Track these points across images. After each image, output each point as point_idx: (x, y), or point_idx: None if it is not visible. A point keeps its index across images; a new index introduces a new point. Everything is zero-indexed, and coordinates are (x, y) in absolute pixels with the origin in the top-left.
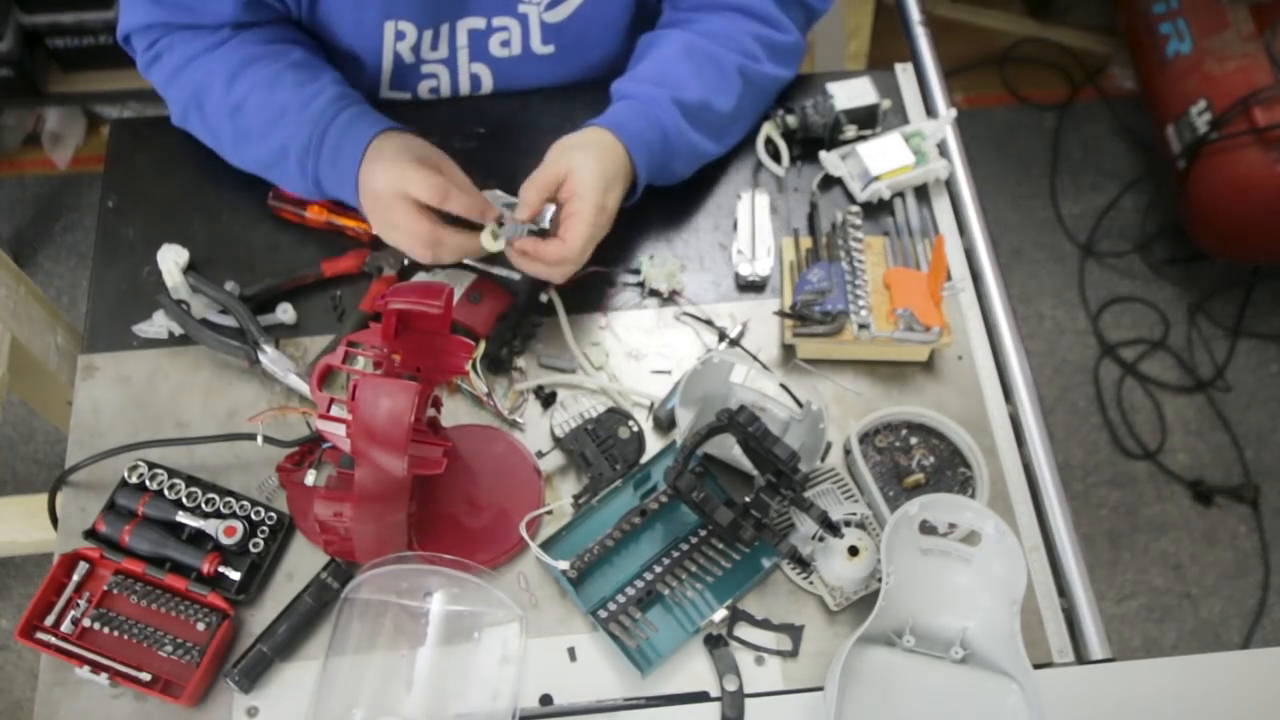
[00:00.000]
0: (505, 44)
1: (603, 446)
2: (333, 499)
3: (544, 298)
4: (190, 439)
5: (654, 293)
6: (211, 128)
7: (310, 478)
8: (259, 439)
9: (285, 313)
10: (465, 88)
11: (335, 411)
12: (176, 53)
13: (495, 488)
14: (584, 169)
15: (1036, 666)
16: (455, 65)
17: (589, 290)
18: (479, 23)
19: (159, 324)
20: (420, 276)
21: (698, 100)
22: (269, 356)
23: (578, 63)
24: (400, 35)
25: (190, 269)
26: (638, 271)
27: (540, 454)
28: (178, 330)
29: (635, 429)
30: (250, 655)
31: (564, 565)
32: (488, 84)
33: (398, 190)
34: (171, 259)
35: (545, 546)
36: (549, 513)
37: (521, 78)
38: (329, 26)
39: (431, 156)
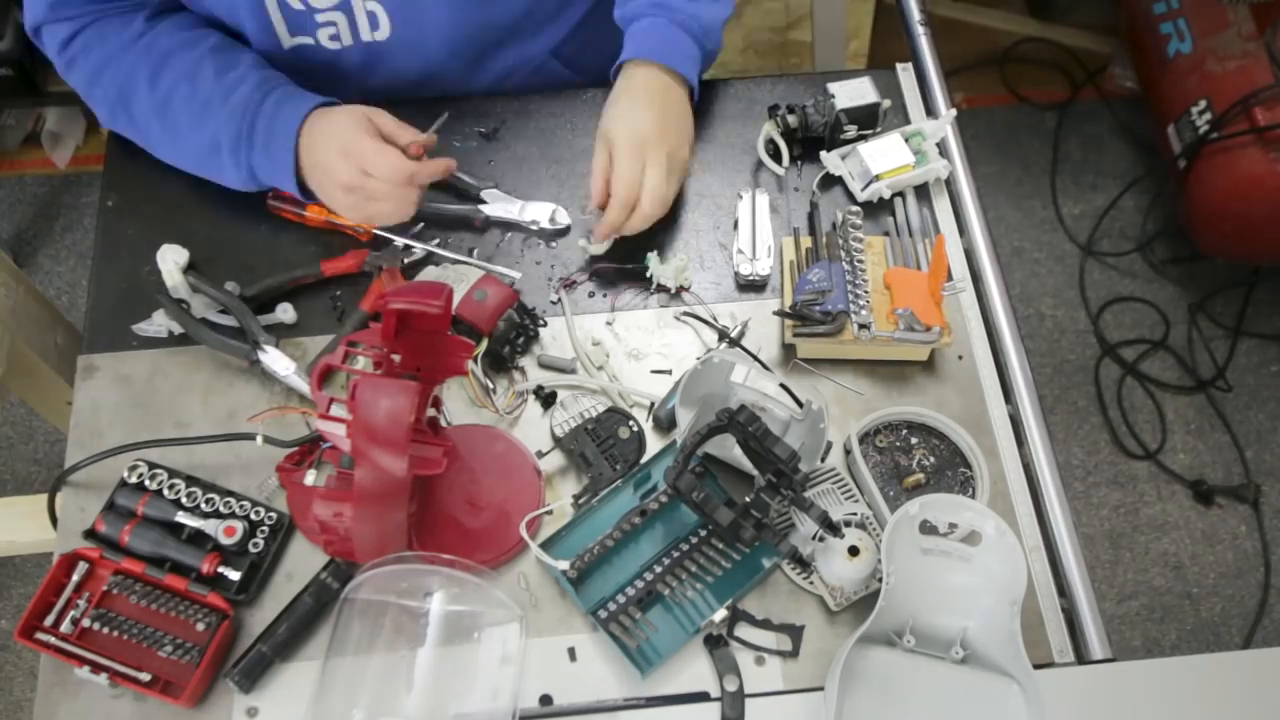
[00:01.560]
0: None
1: (603, 446)
2: (333, 499)
3: (550, 292)
4: (190, 439)
5: (661, 289)
6: (141, 128)
7: (310, 478)
8: (259, 439)
9: (285, 312)
10: (365, 30)
11: (335, 411)
12: (94, 53)
13: (495, 488)
14: (612, 132)
15: (1036, 666)
16: (350, 7)
17: (594, 288)
18: None
19: (158, 323)
20: (426, 275)
21: None
22: (269, 356)
23: (488, 12)
24: None
25: (190, 269)
26: (645, 268)
27: (540, 454)
28: (178, 329)
29: (635, 429)
30: (250, 655)
31: (564, 565)
32: (385, 25)
33: (361, 126)
34: (171, 259)
35: (545, 546)
36: (549, 513)
37: (424, 20)
38: None
39: (373, 115)
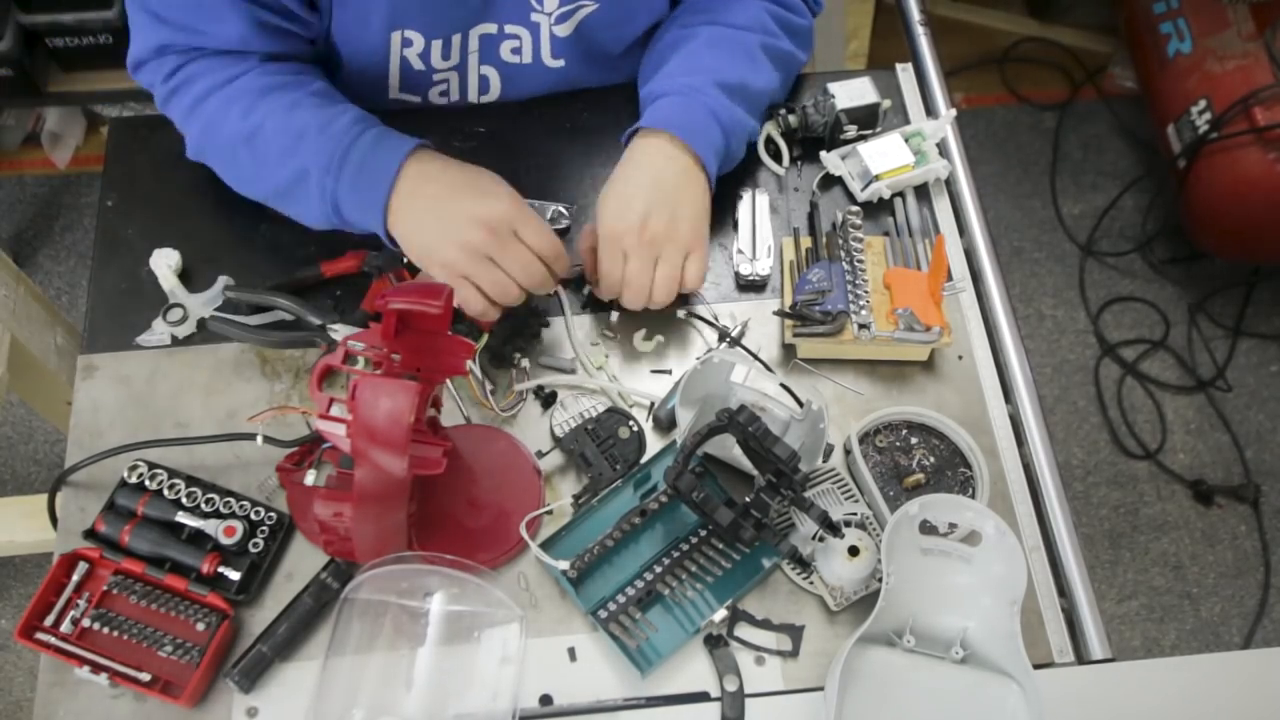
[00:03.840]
0: (516, 51)
1: (603, 446)
2: (333, 499)
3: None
4: (190, 439)
5: None
6: (225, 157)
7: (310, 478)
8: (259, 439)
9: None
10: (474, 91)
11: (335, 411)
12: (196, 85)
13: (495, 487)
14: (597, 218)
15: (1036, 666)
16: (465, 69)
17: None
18: (491, 28)
19: (159, 332)
20: (425, 275)
21: (736, 81)
22: (341, 331)
23: (587, 76)
24: (407, 43)
25: (184, 272)
26: None
27: (540, 454)
28: (180, 334)
29: (635, 429)
30: (250, 655)
31: (564, 565)
32: (496, 87)
33: (512, 223)
34: (164, 263)
35: (545, 546)
36: (549, 513)
37: (530, 85)
38: (337, 39)
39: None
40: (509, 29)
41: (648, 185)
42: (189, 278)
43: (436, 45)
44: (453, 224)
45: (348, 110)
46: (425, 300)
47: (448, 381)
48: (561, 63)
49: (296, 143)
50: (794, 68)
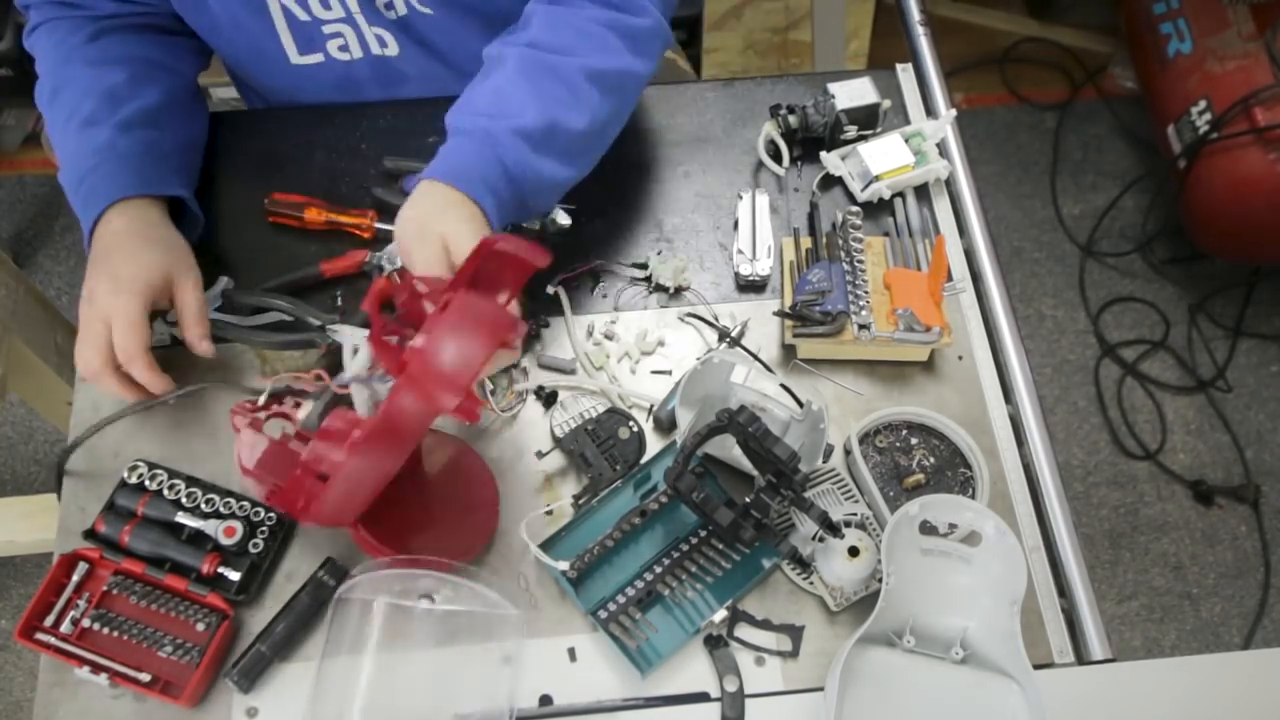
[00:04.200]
0: (389, 5)
1: (603, 447)
2: (332, 439)
3: (550, 290)
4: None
5: (660, 289)
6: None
7: (271, 427)
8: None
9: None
10: (375, 46)
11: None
12: (39, 50)
13: (451, 497)
14: (397, 237)
15: (1036, 667)
16: (357, 24)
17: (595, 289)
18: None
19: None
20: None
21: (541, 126)
22: (341, 332)
23: (465, 19)
24: None
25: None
26: (644, 267)
27: (540, 454)
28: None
29: (635, 429)
30: (249, 655)
31: (564, 566)
32: (393, 45)
33: (104, 316)
34: None
35: (545, 547)
36: (549, 513)
37: (423, 37)
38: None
39: (161, 264)
40: None
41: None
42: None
43: None
44: (86, 281)
45: (102, 134)
46: (530, 252)
47: None
48: (430, 10)
49: (68, 160)
50: (633, 87)
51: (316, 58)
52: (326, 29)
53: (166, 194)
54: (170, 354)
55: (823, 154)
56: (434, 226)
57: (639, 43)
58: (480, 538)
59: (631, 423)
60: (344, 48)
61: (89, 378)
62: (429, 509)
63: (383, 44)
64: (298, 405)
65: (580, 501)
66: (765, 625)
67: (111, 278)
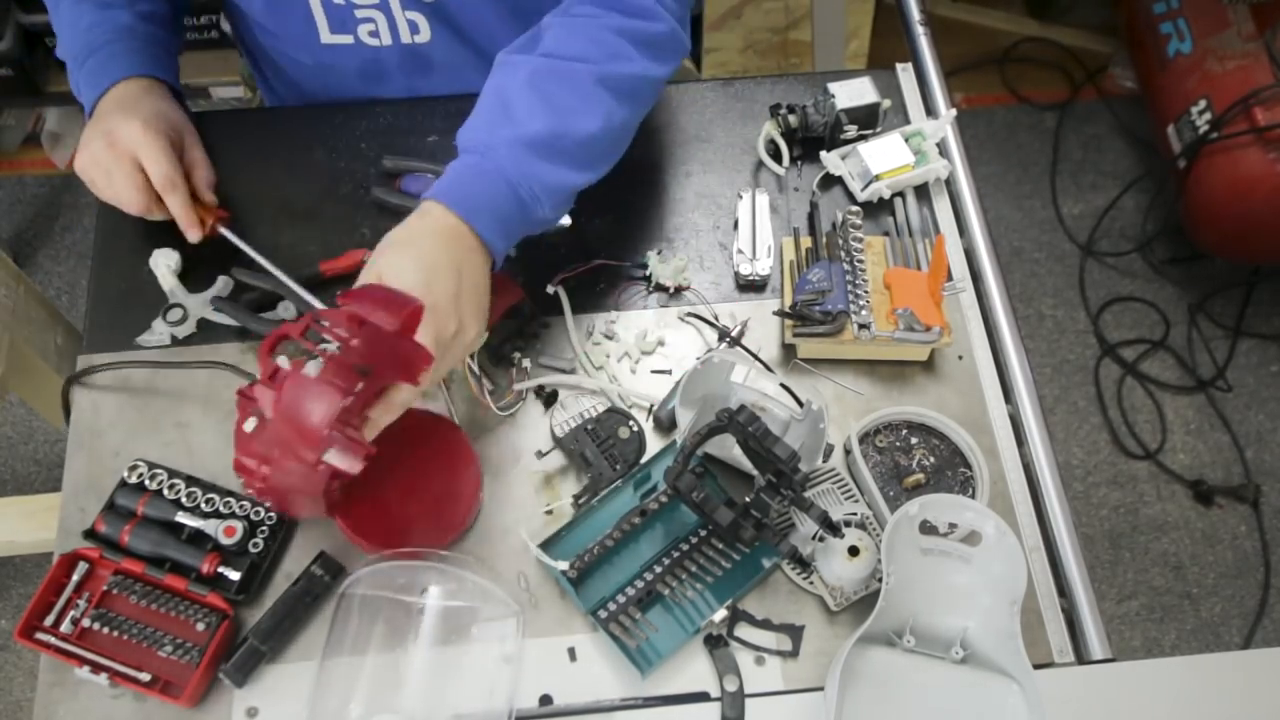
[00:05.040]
0: None
1: (603, 446)
2: (252, 454)
3: (550, 289)
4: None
5: (660, 288)
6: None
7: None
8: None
9: (287, 311)
10: (405, 34)
11: (260, 391)
12: None
13: (431, 476)
14: (391, 274)
15: (1036, 666)
16: (390, 10)
17: (595, 288)
18: None
19: (159, 332)
20: None
21: (546, 133)
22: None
23: (498, 5)
24: None
25: (184, 272)
26: (644, 267)
27: (540, 454)
28: (180, 334)
29: (635, 429)
30: (242, 650)
31: (564, 566)
32: (425, 30)
33: (131, 153)
34: (163, 263)
35: (545, 547)
36: (549, 512)
37: (456, 22)
38: None
39: (178, 124)
40: None
41: (435, 266)
42: (189, 278)
43: None
44: (89, 131)
45: (120, 17)
46: (381, 310)
47: (445, 380)
48: None
49: (73, 24)
50: (649, 90)
51: (346, 39)
52: (359, 13)
53: (175, 85)
54: (169, 353)
55: (823, 154)
56: (380, 255)
57: (655, 48)
58: (463, 514)
59: (631, 422)
60: (374, 33)
61: (139, 212)
62: (409, 490)
63: (414, 30)
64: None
65: (580, 501)
66: (765, 625)
67: (132, 118)
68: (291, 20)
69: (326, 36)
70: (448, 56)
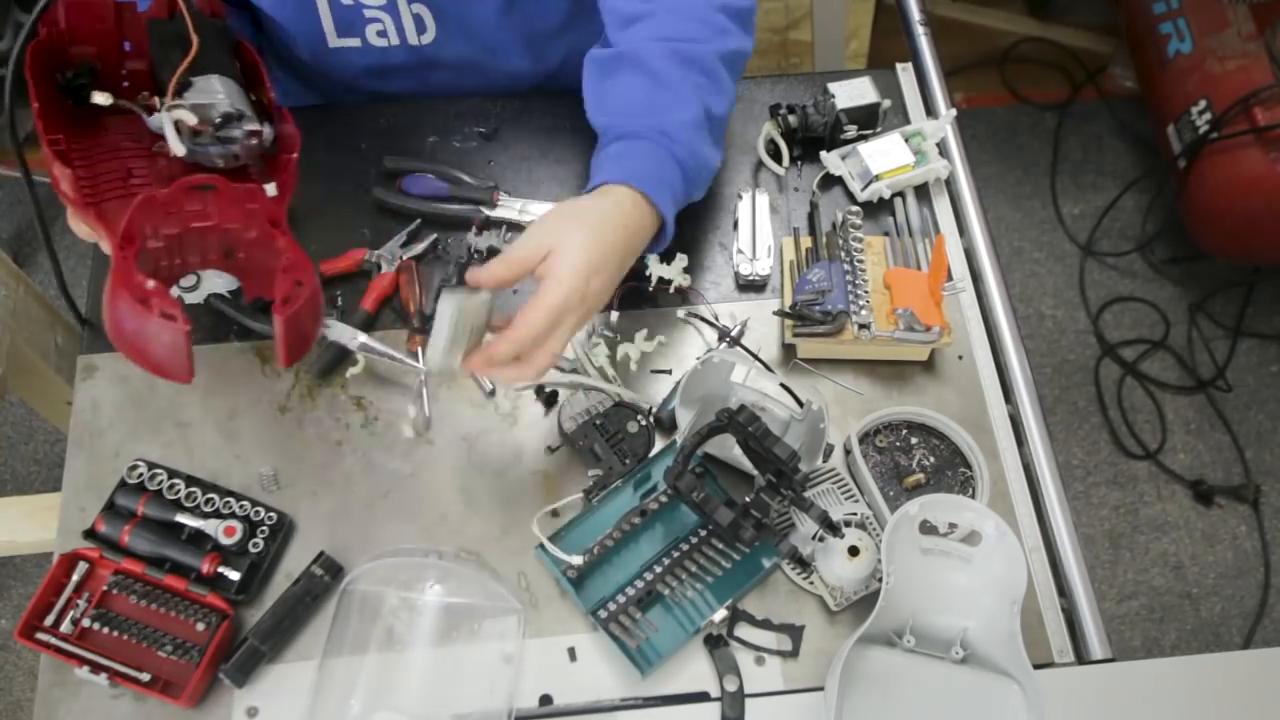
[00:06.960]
0: None
1: (612, 440)
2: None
3: None
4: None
5: (660, 288)
6: None
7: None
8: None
9: None
10: (411, 32)
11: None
12: None
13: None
14: (569, 250)
15: (1036, 666)
16: (396, 9)
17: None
18: None
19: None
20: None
21: (698, 115)
22: (334, 330)
23: (521, 8)
24: None
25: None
26: (645, 267)
27: (551, 449)
28: (188, 300)
29: (643, 422)
30: (242, 650)
31: (577, 560)
32: (430, 26)
33: None
34: None
35: None
36: (554, 513)
37: (464, 19)
38: None
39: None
40: None
41: (607, 253)
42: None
43: None
44: None
45: None
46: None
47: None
48: None
49: None
50: (744, 65)
51: (354, 42)
52: (368, 13)
53: None
54: None
55: (823, 154)
56: (565, 230)
57: (745, 21)
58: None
59: (639, 416)
60: (383, 33)
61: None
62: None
63: (420, 29)
64: None
65: (592, 495)
66: (765, 625)
67: None
68: (302, 22)
69: (334, 40)
70: (454, 53)
